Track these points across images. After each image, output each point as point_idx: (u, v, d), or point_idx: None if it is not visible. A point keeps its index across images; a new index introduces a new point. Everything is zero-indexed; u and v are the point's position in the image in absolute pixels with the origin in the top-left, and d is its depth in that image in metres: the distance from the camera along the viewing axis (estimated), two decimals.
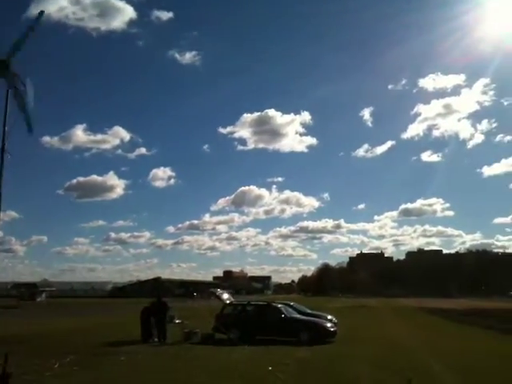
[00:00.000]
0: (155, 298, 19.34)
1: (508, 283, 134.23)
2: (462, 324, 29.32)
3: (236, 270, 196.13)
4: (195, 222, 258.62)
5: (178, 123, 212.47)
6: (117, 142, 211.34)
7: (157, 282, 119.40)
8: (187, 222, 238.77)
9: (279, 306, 20.11)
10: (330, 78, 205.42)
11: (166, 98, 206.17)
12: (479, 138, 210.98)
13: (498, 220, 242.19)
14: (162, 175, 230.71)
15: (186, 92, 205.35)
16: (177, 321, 19.42)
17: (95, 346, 16.25)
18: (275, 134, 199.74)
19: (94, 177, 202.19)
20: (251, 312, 19.76)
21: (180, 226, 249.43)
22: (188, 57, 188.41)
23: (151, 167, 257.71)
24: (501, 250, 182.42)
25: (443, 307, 53.11)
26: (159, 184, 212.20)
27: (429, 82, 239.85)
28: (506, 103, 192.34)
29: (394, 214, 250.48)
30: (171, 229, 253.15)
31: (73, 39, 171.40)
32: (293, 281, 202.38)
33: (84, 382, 10.14)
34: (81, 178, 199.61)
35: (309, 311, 24.63)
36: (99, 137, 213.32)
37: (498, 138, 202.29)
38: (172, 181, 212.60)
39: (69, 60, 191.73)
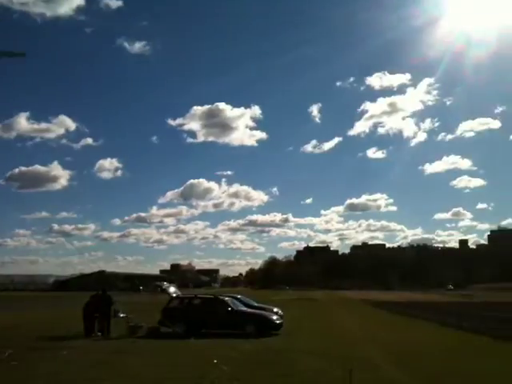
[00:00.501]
0: (99, 291, 18.95)
1: (446, 277, 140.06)
2: (402, 316, 30.34)
3: (184, 263, 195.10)
4: (142, 214, 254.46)
5: (126, 114, 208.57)
6: (62, 131, 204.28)
7: (101, 275, 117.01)
8: (134, 215, 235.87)
9: (226, 299, 20.13)
10: (281, 73, 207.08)
11: (113, 88, 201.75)
12: (422, 137, 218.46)
13: (439, 216, 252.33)
14: (108, 166, 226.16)
15: (134, 82, 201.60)
16: (121, 315, 19.08)
17: (35, 340, 15.73)
18: (225, 127, 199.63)
19: (37, 167, 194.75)
20: (198, 305, 19.67)
21: (126, 218, 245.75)
22: (137, 46, 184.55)
23: (97, 158, 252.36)
24: (440, 245, 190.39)
25: (385, 299, 54.83)
26: (106, 175, 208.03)
27: (376, 81, 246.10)
28: (448, 103, 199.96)
29: (340, 208, 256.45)
30: (117, 221, 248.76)
31: (17, 25, 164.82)
32: (240, 274, 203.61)
33: (21, 377, 9.81)
34: (23, 168, 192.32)
35: (255, 304, 24.81)
36: (43, 125, 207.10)
37: (440, 136, 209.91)
38: (119, 172, 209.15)
39: (12, 46, 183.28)
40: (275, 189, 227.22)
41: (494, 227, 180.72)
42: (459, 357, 13.12)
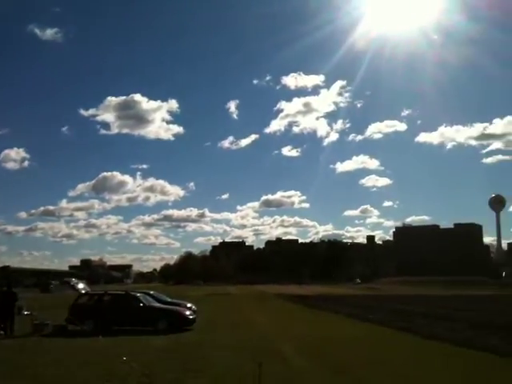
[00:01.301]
0: (3, 288, 17.86)
1: (355, 271, 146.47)
2: (313, 309, 31.26)
3: (95, 258, 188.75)
4: (51, 207, 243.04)
5: (35, 102, 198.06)
6: None
7: (5, 271, 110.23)
8: (41, 208, 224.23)
9: (138, 294, 19.71)
10: (200, 68, 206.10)
11: (22, 75, 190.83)
12: (334, 137, 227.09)
13: (348, 213, 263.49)
14: (14, 156, 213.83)
15: (45, 70, 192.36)
16: (25, 312, 18.14)
17: None
18: (141, 119, 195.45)
19: None
20: (108, 302, 19.09)
21: (33, 211, 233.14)
22: (49, 33, 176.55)
23: (2, 148, 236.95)
24: (350, 241, 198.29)
25: (297, 293, 56.29)
26: (11, 166, 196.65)
27: (291, 80, 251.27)
28: (359, 105, 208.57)
29: (256, 204, 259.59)
30: (23, 214, 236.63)
31: None
32: (155, 269, 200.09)
33: None
34: None
35: (169, 300, 24.53)
36: None
37: (351, 137, 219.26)
38: (26, 163, 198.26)
39: None
40: (192, 184, 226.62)
41: (399, 224, 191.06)
42: (365, 347, 13.71)
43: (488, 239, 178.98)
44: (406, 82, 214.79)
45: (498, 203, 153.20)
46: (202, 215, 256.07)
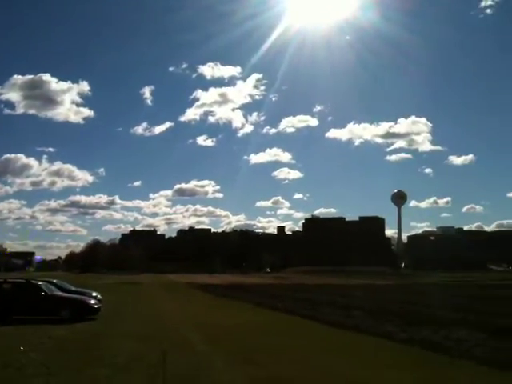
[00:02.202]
0: None
1: (265, 260, 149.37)
2: (223, 298, 31.52)
3: None
4: None
5: None
6: None
7: None
8: None
9: (39, 283, 18.82)
10: (115, 51, 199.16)
11: None
12: (249, 128, 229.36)
13: (260, 204, 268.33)
14: None
15: None
16: None
17: None
18: (49, 100, 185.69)
19: None
20: (7, 290, 18.04)
21: None
22: None
23: None
24: (261, 231, 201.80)
25: (208, 282, 56.43)
26: None
27: (208, 70, 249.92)
28: (273, 99, 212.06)
29: (169, 193, 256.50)
30: None
31: None
32: (59, 257, 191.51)
33: None
34: None
35: (73, 288, 23.69)
36: None
37: (265, 129, 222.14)
38: None
39: None
40: (102, 169, 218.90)
41: (308, 216, 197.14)
42: (272, 335, 14.04)
43: (389, 232, 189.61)
44: (319, 79, 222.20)
45: (399, 198, 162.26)
46: (112, 202, 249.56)
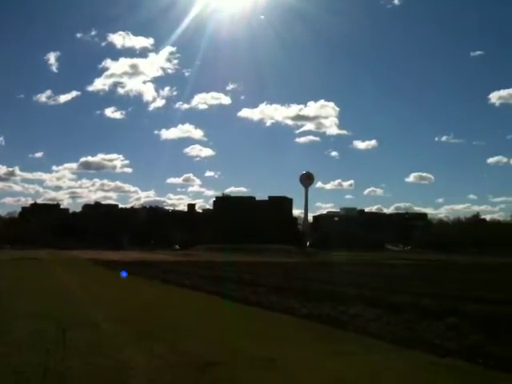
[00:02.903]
0: None
1: (175, 238, 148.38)
2: (129, 274, 30.96)
3: None
4: None
5: None
6: None
7: None
8: None
9: None
10: (16, 11, 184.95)
11: None
12: (161, 103, 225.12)
13: (171, 180, 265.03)
14: None
15: None
16: None
17: None
18: None
19: None
20: None
21: None
22: None
23: None
24: (171, 208, 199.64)
25: (114, 259, 55.09)
26: None
27: (118, 39, 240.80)
28: (186, 74, 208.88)
29: (74, 165, 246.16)
30: None
31: None
32: None
33: None
34: None
35: None
36: None
37: (177, 105, 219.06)
38: None
39: None
40: (1, 138, 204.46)
41: (219, 194, 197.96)
42: (177, 311, 14.06)
43: (297, 212, 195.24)
44: (234, 58, 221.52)
45: (307, 179, 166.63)
46: (12, 173, 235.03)
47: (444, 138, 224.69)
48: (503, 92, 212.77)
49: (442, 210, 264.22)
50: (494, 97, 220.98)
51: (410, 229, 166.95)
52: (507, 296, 17.70)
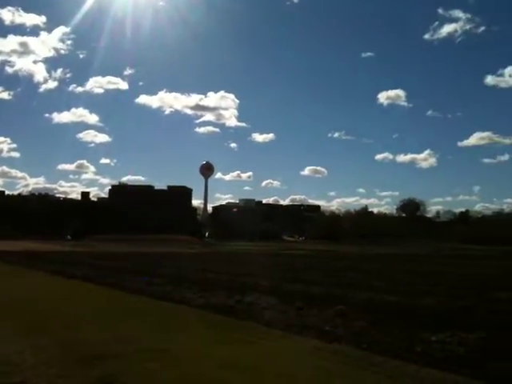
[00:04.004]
0: None
1: (67, 227, 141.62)
2: (15, 265, 29.16)
3: None
4: None
5: None
6: None
7: None
8: None
9: None
10: None
11: None
12: (53, 85, 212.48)
13: (63, 167, 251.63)
14: None
15: None
16: None
17: None
18: None
19: None
20: None
21: None
22: None
23: None
24: (63, 196, 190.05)
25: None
26: None
27: (7, 15, 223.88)
28: (81, 56, 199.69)
29: None
30: None
31: None
32: None
33: None
34: None
35: None
36: None
37: (71, 87, 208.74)
38: None
39: None
40: None
41: (115, 182, 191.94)
42: (66, 304, 13.45)
43: (196, 202, 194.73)
44: (133, 43, 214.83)
45: (207, 170, 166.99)
46: None
47: (336, 135, 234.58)
48: (390, 93, 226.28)
49: (334, 203, 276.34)
50: (383, 97, 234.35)
51: (304, 220, 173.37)
52: (391, 285, 18.99)
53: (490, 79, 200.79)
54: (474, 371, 6.75)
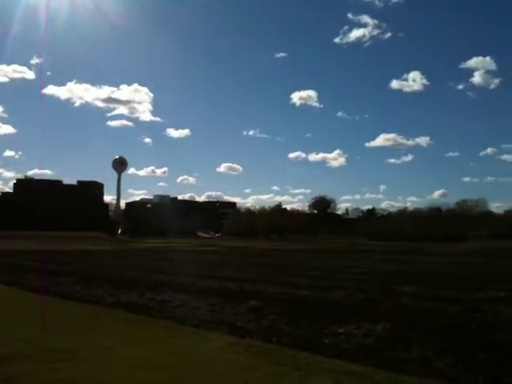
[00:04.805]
0: None
1: None
2: None
3: None
4: None
5: None
6: None
7: None
8: None
9: None
10: None
11: None
12: None
13: None
14: None
15: None
16: None
17: None
18: None
19: None
20: None
21: None
22: None
23: None
24: None
25: None
26: None
27: None
28: None
29: None
30: None
31: None
32: None
33: None
34: None
35: None
36: None
37: None
38: None
39: None
40: None
41: (21, 176, 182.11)
42: None
43: (108, 198, 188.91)
44: (42, 31, 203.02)
45: (120, 165, 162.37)
46: None
47: (251, 133, 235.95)
48: (303, 93, 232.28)
49: (249, 200, 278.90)
50: (295, 97, 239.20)
51: (220, 217, 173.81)
52: (303, 279, 19.53)
53: (395, 83, 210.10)
54: (377, 361, 7.13)
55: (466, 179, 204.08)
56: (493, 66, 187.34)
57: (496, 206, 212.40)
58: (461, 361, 7.06)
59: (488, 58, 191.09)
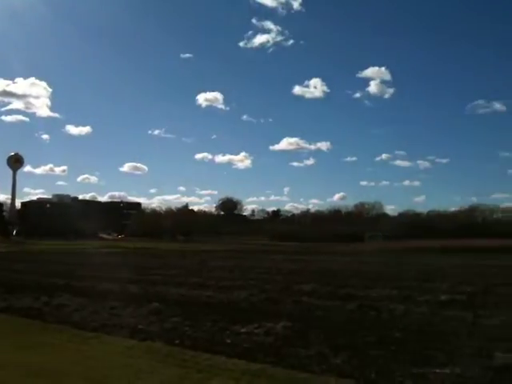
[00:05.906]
0: None
1: None
2: None
3: None
4: None
5: None
6: None
7: None
8: None
9: None
10: None
11: None
12: None
13: None
14: None
15: None
16: None
17: None
18: None
19: None
20: None
21: None
22: None
23: None
24: None
25: None
26: None
27: None
28: None
29: None
30: None
31: None
32: None
33: None
34: None
35: None
36: None
37: None
38: None
39: None
40: None
41: None
42: None
43: (2, 197, 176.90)
44: None
45: (16, 162, 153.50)
46: None
47: (156, 132, 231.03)
48: (209, 95, 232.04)
49: (154, 200, 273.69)
50: (201, 98, 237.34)
51: (124, 217, 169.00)
52: (205, 280, 19.52)
53: (297, 89, 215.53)
54: (277, 359, 7.30)
55: (364, 183, 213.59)
56: (388, 76, 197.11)
57: (390, 209, 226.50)
58: (355, 357, 7.42)
59: (383, 69, 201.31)
